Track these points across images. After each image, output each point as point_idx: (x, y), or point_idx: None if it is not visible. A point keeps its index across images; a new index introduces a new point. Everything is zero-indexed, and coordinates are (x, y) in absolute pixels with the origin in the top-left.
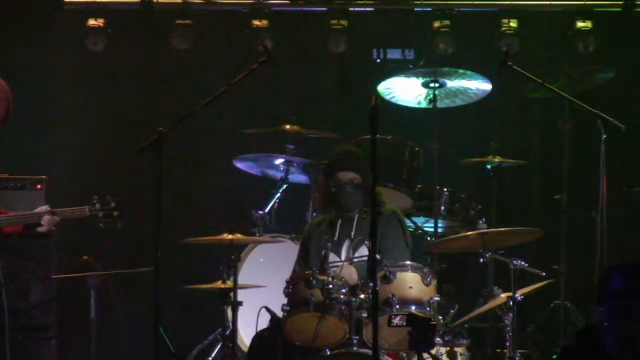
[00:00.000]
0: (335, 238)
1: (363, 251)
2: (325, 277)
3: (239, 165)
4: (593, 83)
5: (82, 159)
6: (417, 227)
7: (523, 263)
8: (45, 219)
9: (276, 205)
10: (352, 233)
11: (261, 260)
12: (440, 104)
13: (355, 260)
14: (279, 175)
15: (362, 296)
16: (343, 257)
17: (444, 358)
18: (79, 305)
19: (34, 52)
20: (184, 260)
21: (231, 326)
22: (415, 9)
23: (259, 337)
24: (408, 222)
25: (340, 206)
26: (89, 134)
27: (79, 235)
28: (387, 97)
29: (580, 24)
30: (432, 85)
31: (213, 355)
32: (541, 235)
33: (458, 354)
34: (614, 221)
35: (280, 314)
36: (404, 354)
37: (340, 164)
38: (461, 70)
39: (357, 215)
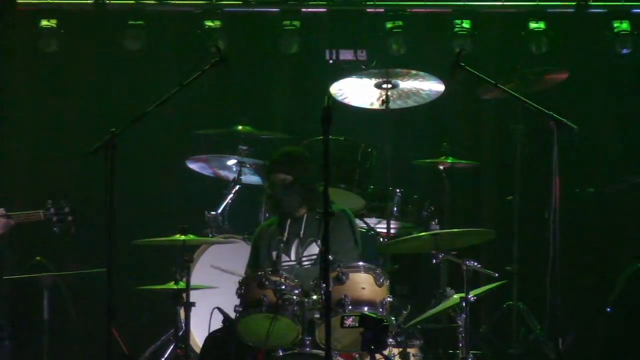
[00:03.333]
0: (285, 238)
1: (312, 250)
2: (277, 278)
3: (192, 166)
4: (546, 84)
5: (35, 160)
6: (370, 228)
7: (476, 264)
8: (0, 222)
9: (229, 206)
10: (301, 233)
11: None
12: (392, 105)
13: (305, 260)
14: (231, 176)
15: (314, 297)
16: (292, 257)
17: (397, 359)
18: (32, 305)
19: None
20: (137, 261)
21: (184, 327)
22: (368, 9)
23: (211, 338)
24: (360, 223)
25: (279, 207)
26: (41, 136)
27: (32, 236)
28: (340, 98)
29: (533, 25)
30: (384, 86)
31: (166, 356)
32: (494, 236)
33: (411, 354)
34: (567, 222)
35: (232, 314)
36: (357, 355)
37: (272, 165)
38: (414, 71)
39: (305, 215)
